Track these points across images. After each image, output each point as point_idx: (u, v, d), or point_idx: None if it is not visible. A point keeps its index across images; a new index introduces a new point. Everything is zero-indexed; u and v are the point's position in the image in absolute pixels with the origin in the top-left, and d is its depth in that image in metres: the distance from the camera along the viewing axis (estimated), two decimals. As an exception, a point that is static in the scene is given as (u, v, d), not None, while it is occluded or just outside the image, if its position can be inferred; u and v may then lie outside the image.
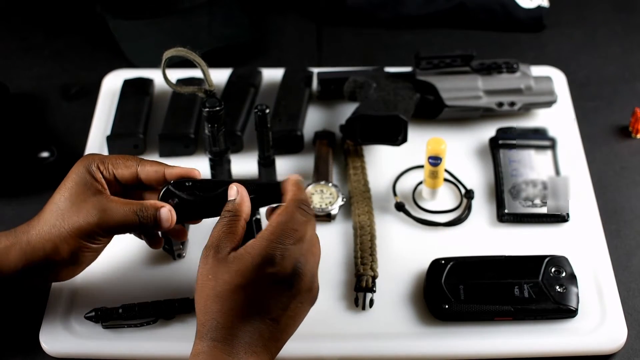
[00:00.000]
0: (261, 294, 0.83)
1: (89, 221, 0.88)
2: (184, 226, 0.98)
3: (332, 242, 1.06)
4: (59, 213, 0.89)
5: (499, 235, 1.07)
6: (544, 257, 1.01)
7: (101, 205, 0.89)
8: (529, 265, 1.00)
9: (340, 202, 1.08)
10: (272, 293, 0.84)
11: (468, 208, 1.09)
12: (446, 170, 1.12)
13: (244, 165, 1.14)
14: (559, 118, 1.21)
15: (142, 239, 0.99)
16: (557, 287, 0.97)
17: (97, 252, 0.93)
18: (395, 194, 1.11)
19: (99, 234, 0.90)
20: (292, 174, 0.91)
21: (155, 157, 1.15)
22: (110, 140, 1.15)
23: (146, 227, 0.90)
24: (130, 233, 0.96)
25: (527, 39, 1.37)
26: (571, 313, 0.97)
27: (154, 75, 1.25)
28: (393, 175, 1.14)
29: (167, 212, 0.90)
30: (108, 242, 0.93)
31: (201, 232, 1.05)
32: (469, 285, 0.98)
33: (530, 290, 0.97)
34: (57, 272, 0.92)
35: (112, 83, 1.26)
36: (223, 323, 0.83)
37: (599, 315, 0.98)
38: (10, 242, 0.90)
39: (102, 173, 0.91)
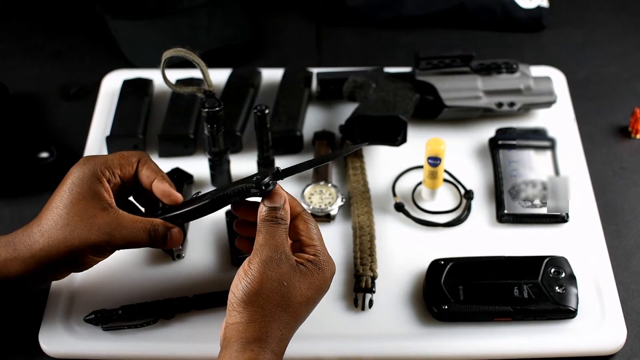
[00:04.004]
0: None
1: (100, 239, 0.88)
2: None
3: (331, 243, 1.06)
4: (67, 227, 0.88)
5: (498, 236, 1.07)
6: (544, 257, 1.01)
7: (113, 222, 0.89)
8: (528, 266, 1.00)
9: (339, 202, 1.08)
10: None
11: (467, 208, 1.09)
12: (446, 171, 1.12)
13: (244, 165, 1.14)
14: (559, 118, 1.21)
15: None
16: (557, 288, 0.97)
17: (102, 259, 0.93)
18: (394, 195, 1.11)
19: (107, 250, 0.90)
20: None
21: (155, 158, 1.15)
22: (109, 140, 1.15)
23: (155, 245, 0.91)
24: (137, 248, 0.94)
25: (526, 39, 1.37)
26: (571, 313, 0.97)
27: (154, 75, 1.24)
28: (392, 175, 1.14)
29: (177, 233, 0.92)
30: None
31: (201, 233, 1.05)
32: (468, 286, 0.98)
33: (530, 291, 0.97)
34: (57, 275, 0.93)
35: (112, 83, 1.26)
36: (287, 336, 0.84)
37: (598, 316, 0.98)
38: (10, 255, 0.89)
39: (108, 180, 0.91)
